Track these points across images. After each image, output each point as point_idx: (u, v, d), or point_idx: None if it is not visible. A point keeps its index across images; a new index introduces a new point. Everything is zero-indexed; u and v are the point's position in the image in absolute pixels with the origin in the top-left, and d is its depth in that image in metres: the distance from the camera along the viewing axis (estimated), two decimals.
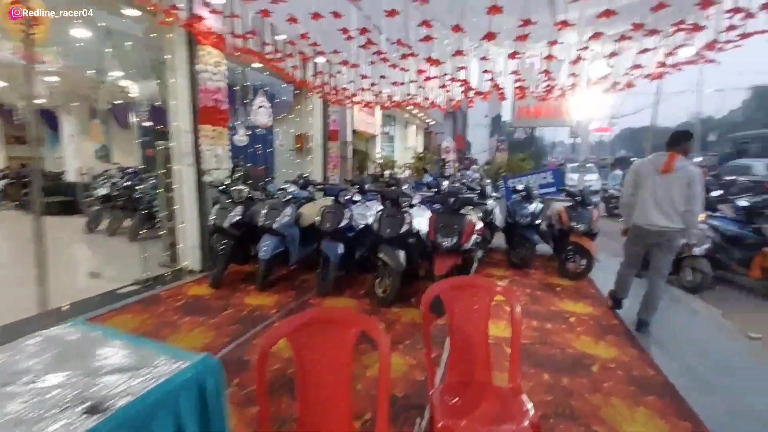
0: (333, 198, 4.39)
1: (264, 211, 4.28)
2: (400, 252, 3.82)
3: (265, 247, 4.07)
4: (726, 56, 4.07)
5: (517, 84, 4.69)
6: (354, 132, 10.81)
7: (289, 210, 4.28)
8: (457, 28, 3.35)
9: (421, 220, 4.47)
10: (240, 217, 4.27)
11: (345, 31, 3.75)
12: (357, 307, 3.82)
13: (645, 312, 3.37)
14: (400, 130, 18.65)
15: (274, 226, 4.15)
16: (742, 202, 5.30)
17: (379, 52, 4.25)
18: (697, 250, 4.36)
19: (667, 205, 3.16)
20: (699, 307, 4.17)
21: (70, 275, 4.56)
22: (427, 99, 5.79)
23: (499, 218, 5.78)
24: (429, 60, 4.54)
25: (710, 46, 3.82)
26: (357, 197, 4.50)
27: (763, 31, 3.39)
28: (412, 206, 4.18)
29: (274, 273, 4.43)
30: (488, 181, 8.24)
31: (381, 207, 4.40)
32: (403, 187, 5.87)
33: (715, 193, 6.02)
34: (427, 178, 10.28)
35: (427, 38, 3.63)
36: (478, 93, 5.11)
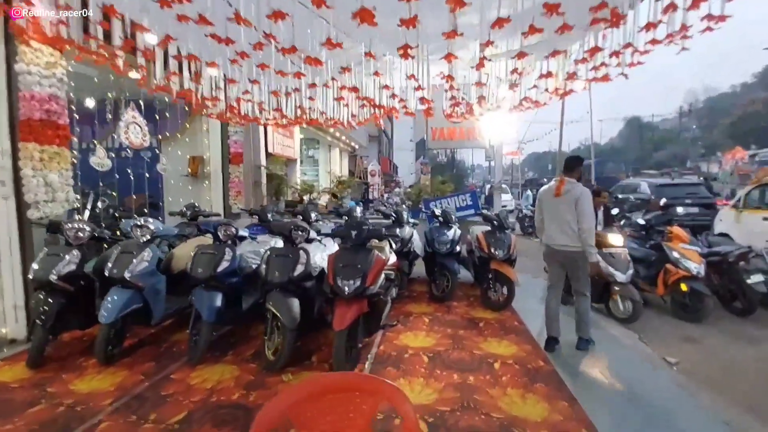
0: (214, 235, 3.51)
1: (113, 257, 3.24)
2: (293, 301, 3.07)
3: (109, 305, 3.02)
4: (603, 87, 4.13)
5: (422, 100, 4.33)
6: (269, 155, 9.90)
7: (147, 253, 3.29)
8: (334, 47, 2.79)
9: (325, 256, 3.80)
10: (75, 266, 3.17)
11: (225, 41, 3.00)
12: (236, 375, 2.94)
13: (580, 330, 3.48)
14: (323, 154, 18.01)
15: (126, 275, 3.13)
16: (639, 220, 5.48)
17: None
18: (621, 277, 4.22)
19: (564, 225, 3.33)
20: (618, 333, 4.01)
21: None
22: (323, 114, 5.21)
23: (419, 245, 5.32)
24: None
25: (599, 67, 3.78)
26: (242, 232, 3.67)
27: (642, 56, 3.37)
28: (310, 241, 3.46)
29: (127, 338, 3.35)
30: (406, 204, 7.91)
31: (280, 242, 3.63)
32: (313, 216, 5.17)
33: (613, 211, 6.25)
34: (349, 203, 9.72)
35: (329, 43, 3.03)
36: (379, 106, 4.67)
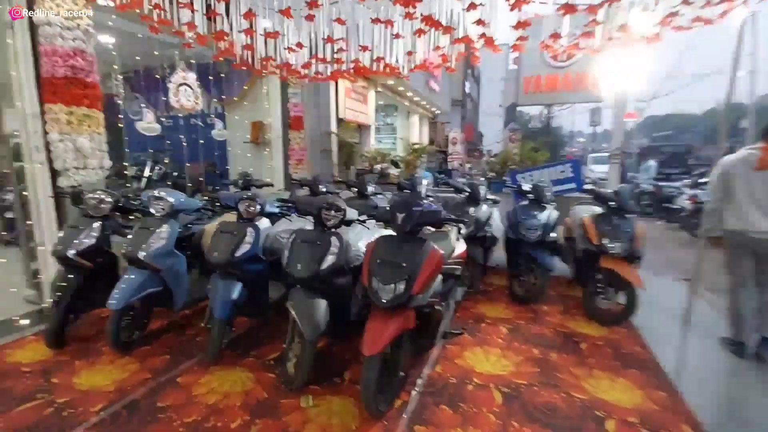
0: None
1: (134, 233, 2.84)
2: (317, 304, 2.33)
3: (119, 289, 2.62)
4: None
5: (519, 25, 3.07)
6: (340, 121, 9.31)
7: (164, 230, 2.81)
8: None
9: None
10: (94, 240, 2.84)
11: None
12: (248, 387, 2.34)
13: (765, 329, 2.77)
14: (401, 120, 17.04)
15: (140, 255, 2.71)
16: None
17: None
18: None
19: None
20: None
21: None
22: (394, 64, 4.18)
23: (499, 227, 4.20)
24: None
25: None
26: (272, 207, 2.99)
27: None
28: (348, 223, 2.64)
29: (152, 321, 2.99)
30: (486, 177, 6.65)
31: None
32: (370, 188, 4.36)
33: None
34: (424, 173, 8.73)
35: None
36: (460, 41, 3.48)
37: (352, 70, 4.35)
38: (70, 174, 3.20)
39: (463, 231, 3.22)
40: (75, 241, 2.79)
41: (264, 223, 3.10)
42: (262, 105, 6.25)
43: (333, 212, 2.53)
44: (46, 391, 2.30)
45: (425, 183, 4.23)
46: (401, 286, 2.04)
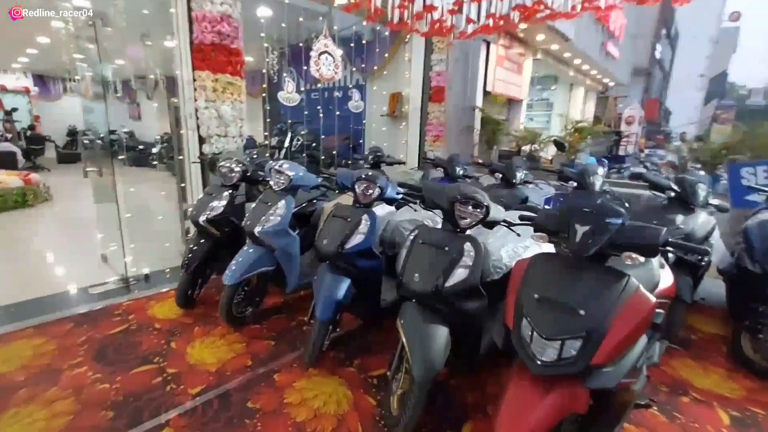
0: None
1: (254, 207, 2.71)
2: (436, 332, 1.70)
3: (234, 265, 2.50)
4: None
5: None
6: (486, 94, 8.25)
7: (281, 207, 2.57)
8: None
9: (519, 251, 2.22)
10: (222, 208, 2.80)
11: None
12: (342, 411, 1.91)
13: None
14: (562, 95, 14.58)
15: (256, 231, 2.53)
16: None
17: None
18: None
19: None
20: None
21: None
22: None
23: (718, 249, 2.78)
24: None
25: None
26: (392, 192, 2.42)
27: None
28: (489, 225, 1.89)
29: (263, 301, 2.86)
30: (701, 172, 4.81)
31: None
32: (519, 175, 3.43)
33: None
34: (588, 159, 7.06)
35: None
36: None
37: (514, 18, 3.38)
38: (212, 141, 3.27)
39: (663, 261, 2.08)
40: (206, 208, 2.80)
41: (383, 209, 2.60)
42: (402, 75, 5.77)
43: (470, 208, 1.82)
44: (162, 356, 2.32)
45: (601, 173, 3.06)
46: (574, 346, 1.23)
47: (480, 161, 4.10)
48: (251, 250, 2.59)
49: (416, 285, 1.76)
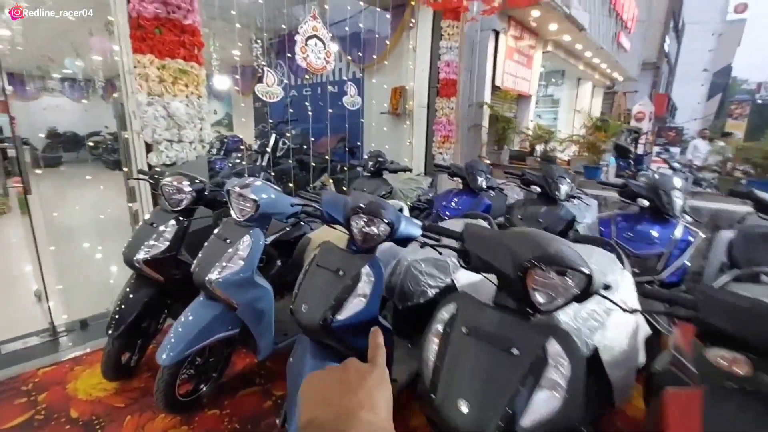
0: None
1: (207, 244, 1.92)
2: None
3: (176, 335, 1.71)
4: None
5: None
6: (495, 89, 7.48)
7: (245, 245, 1.79)
8: None
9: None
10: (166, 243, 2.02)
11: None
12: None
13: None
14: (568, 90, 13.85)
15: (207, 281, 1.75)
16: None
17: None
18: None
19: None
20: None
21: None
22: None
23: None
24: None
25: None
26: (410, 228, 1.63)
27: None
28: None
29: (224, 373, 2.06)
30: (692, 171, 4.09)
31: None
32: (564, 187, 2.65)
33: None
34: (610, 160, 6.31)
35: None
36: None
37: None
38: (162, 148, 2.47)
39: None
40: (145, 244, 2.02)
41: (390, 251, 1.83)
42: (405, 65, 4.98)
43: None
44: None
45: (679, 186, 2.28)
46: None
47: (510, 171, 3.31)
48: (201, 311, 1.80)
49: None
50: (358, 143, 5.11)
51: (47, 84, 12.14)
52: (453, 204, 3.09)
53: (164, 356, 1.65)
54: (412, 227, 1.57)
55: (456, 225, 2.20)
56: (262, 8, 3.97)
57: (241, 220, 1.83)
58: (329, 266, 1.51)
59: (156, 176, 2.24)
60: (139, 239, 2.05)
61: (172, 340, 1.69)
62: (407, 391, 1.76)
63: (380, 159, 3.69)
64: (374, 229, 1.49)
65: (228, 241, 1.82)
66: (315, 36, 3.63)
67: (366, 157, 3.78)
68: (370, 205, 1.51)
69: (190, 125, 2.54)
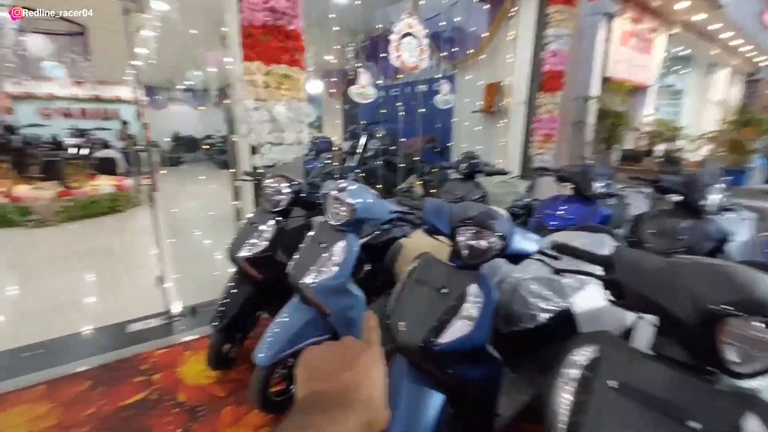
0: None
1: (302, 247, 1.91)
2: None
3: (272, 337, 1.72)
4: None
5: None
6: (605, 81, 6.63)
7: (340, 251, 1.73)
8: None
9: None
10: (266, 243, 2.07)
11: None
12: None
13: None
14: (695, 78, 11.78)
15: (302, 283, 1.73)
16: None
17: None
18: None
19: None
20: None
21: None
22: None
23: None
24: None
25: None
26: (525, 243, 1.39)
27: None
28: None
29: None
30: None
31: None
32: (713, 196, 2.13)
33: None
34: (758, 161, 5.13)
35: None
36: None
37: None
38: (264, 151, 2.57)
39: None
40: (247, 242, 2.10)
41: (491, 265, 1.61)
42: (502, 59, 4.61)
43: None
44: None
45: None
46: None
47: (641, 176, 2.80)
48: (296, 314, 1.79)
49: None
50: (449, 144, 4.89)
51: (173, 94, 14.17)
52: (560, 212, 2.71)
53: (260, 356, 1.67)
54: (527, 242, 1.34)
55: (569, 238, 1.89)
56: (357, 11, 4.00)
57: (336, 224, 1.78)
58: (430, 282, 1.35)
59: (258, 177, 2.33)
60: (241, 237, 2.14)
61: (269, 340, 1.70)
62: (511, 426, 1.53)
63: (473, 161, 3.43)
64: (484, 243, 1.29)
65: (323, 245, 1.78)
66: (409, 33, 3.51)
67: (458, 158, 3.56)
68: (480, 216, 1.31)
69: (290, 128, 2.61)
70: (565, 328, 1.61)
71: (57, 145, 7.45)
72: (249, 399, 1.84)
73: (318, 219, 2.39)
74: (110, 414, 1.91)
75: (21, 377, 2.15)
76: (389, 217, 1.75)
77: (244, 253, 2.07)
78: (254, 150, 2.64)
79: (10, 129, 5.61)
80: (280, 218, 2.16)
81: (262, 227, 2.11)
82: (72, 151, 6.43)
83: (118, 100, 12.05)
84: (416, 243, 2.09)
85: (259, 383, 1.75)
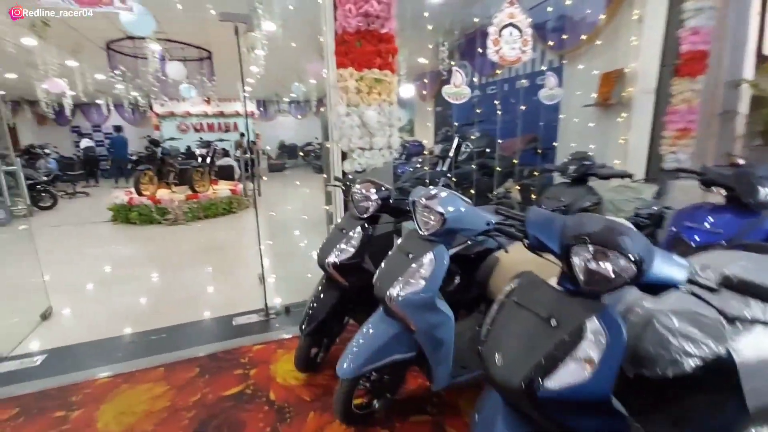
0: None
1: (389, 256, 1.82)
2: None
3: (357, 348, 1.65)
4: None
5: None
6: (763, 61, 5.30)
7: (428, 263, 1.58)
8: None
9: None
10: (352, 250, 2.04)
11: None
12: None
13: None
14: None
15: (392, 294, 1.63)
16: None
17: None
18: None
19: None
20: None
21: None
22: None
23: None
24: None
25: None
26: (666, 269, 1.06)
27: None
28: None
29: (398, 391, 1.92)
30: None
31: None
32: None
33: None
34: None
35: None
36: None
37: None
38: (355, 156, 2.56)
39: None
40: (336, 248, 2.09)
41: (623, 294, 1.31)
42: (624, 43, 3.96)
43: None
44: None
45: None
46: None
47: None
48: (380, 328, 1.70)
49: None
50: (553, 144, 4.39)
51: (280, 107, 15.65)
52: (707, 225, 2.16)
53: (344, 368, 1.61)
54: (671, 268, 1.02)
55: (725, 259, 1.45)
56: (452, 8, 3.82)
57: (425, 234, 1.64)
58: (535, 309, 1.13)
59: (347, 183, 2.32)
60: (330, 243, 2.14)
61: (354, 351, 1.64)
62: None
63: (585, 162, 2.98)
64: (610, 268, 1.02)
65: (410, 255, 1.66)
66: (511, 24, 3.21)
67: (565, 160, 3.13)
68: (604, 232, 1.04)
69: (380, 132, 2.56)
70: (717, 379, 1.23)
71: (188, 155, 8.74)
72: (333, 408, 1.81)
73: (408, 225, 2.29)
74: (213, 402, 2.05)
75: (147, 357, 2.47)
76: (484, 229, 1.55)
77: (331, 258, 2.07)
78: (345, 155, 2.66)
79: (155, 142, 6.73)
80: (368, 224, 2.10)
81: (350, 233, 2.09)
82: (199, 160, 7.46)
83: (237, 114, 13.72)
84: (515, 259, 1.84)
85: (343, 395, 1.70)
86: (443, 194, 1.63)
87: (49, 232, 5.90)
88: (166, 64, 5.61)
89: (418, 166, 4.79)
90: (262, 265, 3.12)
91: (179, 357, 2.47)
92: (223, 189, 7.07)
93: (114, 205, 6.46)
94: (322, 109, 2.92)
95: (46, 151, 9.93)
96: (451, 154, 4.00)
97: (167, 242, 5.39)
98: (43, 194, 7.64)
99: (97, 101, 11.93)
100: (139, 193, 6.33)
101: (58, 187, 8.85)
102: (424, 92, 8.75)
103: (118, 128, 11.92)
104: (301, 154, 14.53)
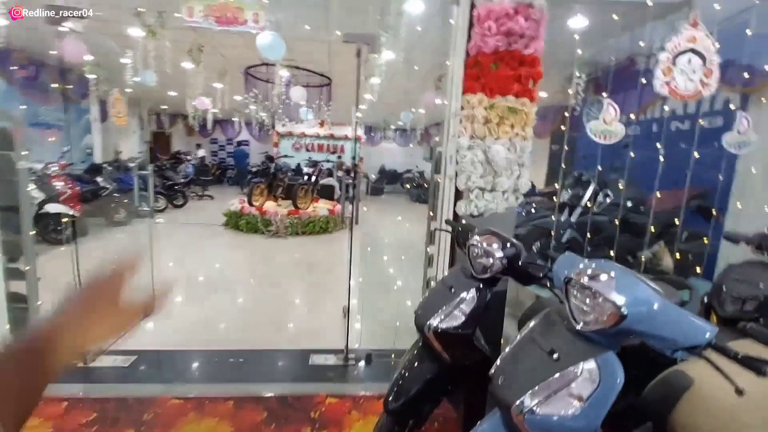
0: None
1: (516, 346, 1.33)
2: None
3: None
4: None
5: None
6: None
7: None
8: None
9: None
10: (462, 317, 1.59)
11: None
12: None
13: None
14: None
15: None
16: None
17: None
18: None
19: None
20: None
21: None
22: None
23: None
24: None
25: None
26: None
27: None
28: None
29: None
30: None
31: None
32: None
33: None
34: None
35: None
36: None
37: None
38: (472, 197, 2.14)
39: None
40: (441, 310, 1.67)
41: None
42: None
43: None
44: None
45: None
46: None
47: None
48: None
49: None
50: (724, 204, 3.38)
51: (387, 133, 16.10)
52: None
53: None
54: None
55: None
56: (593, 37, 3.24)
57: (583, 328, 1.11)
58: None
59: (460, 228, 1.90)
60: (433, 302, 1.72)
61: None
62: None
63: None
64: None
65: (555, 356, 1.15)
66: (691, 50, 2.52)
67: (753, 233, 2.26)
68: None
69: (507, 172, 2.11)
70: None
71: (297, 171, 9.29)
72: None
73: (539, 291, 1.79)
74: None
75: (220, 385, 2.32)
76: (693, 345, 0.97)
77: (434, 322, 1.64)
78: (459, 195, 2.26)
79: (270, 158, 7.24)
80: (485, 287, 1.64)
81: (462, 294, 1.64)
82: (305, 177, 7.81)
83: (346, 138, 14.45)
84: (712, 385, 1.18)
85: None
86: (614, 272, 1.10)
87: (171, 229, 6.62)
88: (291, 89, 6.00)
89: (533, 211, 4.15)
90: (349, 300, 2.85)
91: (250, 392, 2.27)
92: (322, 207, 7.24)
93: (228, 211, 7.04)
94: (436, 138, 2.58)
95: (188, 157, 11.60)
96: (583, 202, 3.30)
97: (264, 253, 5.58)
98: (178, 194, 8.78)
99: (233, 118, 13.68)
100: (251, 204, 6.79)
101: (191, 189, 10.15)
102: (536, 129, 7.98)
103: (244, 143, 13.45)
104: (401, 181, 14.66)
